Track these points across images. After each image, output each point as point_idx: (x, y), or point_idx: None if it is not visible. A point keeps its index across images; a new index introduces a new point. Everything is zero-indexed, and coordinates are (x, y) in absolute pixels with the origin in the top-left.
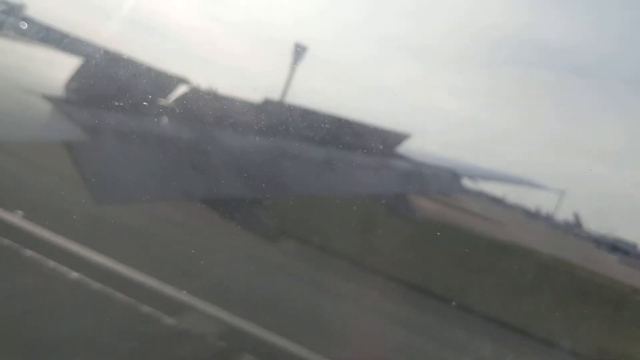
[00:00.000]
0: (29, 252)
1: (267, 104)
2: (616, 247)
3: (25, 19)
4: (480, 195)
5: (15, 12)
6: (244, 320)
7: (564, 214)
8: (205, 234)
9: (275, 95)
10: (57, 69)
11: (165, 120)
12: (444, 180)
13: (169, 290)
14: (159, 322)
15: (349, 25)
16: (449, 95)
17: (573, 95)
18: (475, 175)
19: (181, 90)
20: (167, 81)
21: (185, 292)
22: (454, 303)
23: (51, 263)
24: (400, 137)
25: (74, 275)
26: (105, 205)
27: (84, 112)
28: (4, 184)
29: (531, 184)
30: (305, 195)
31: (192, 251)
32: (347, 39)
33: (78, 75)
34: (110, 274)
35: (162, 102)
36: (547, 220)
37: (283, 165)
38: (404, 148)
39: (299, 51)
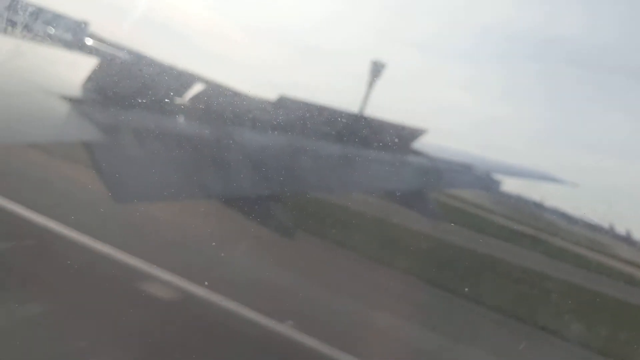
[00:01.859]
0: (51, 249)
1: (282, 100)
2: None
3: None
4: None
5: (82, 29)
6: (260, 314)
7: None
8: (223, 231)
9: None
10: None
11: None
12: (461, 176)
13: (185, 284)
14: (180, 316)
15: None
16: (463, 90)
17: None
18: (493, 170)
19: (209, 91)
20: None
21: (203, 285)
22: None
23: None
24: (416, 133)
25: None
26: (124, 203)
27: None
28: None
29: (562, 182)
30: (321, 192)
31: (211, 245)
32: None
33: (97, 75)
34: (131, 269)
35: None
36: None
37: (299, 162)
38: (420, 144)
39: (377, 68)
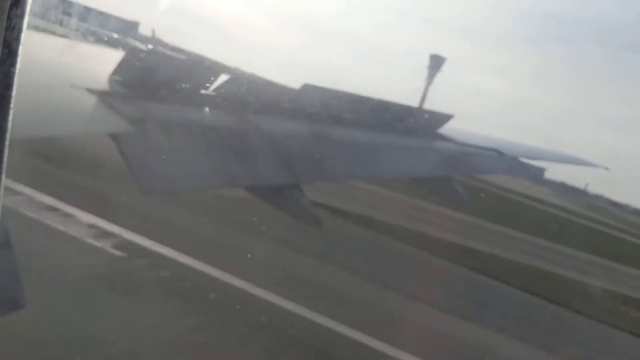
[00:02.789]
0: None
1: (306, 88)
2: None
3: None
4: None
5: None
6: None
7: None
8: (250, 220)
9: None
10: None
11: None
12: (490, 160)
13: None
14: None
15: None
16: (492, 75)
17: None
18: (521, 154)
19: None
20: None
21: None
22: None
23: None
24: (443, 118)
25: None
26: (153, 195)
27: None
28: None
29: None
30: (348, 180)
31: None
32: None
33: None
34: (161, 259)
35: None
36: None
37: (326, 150)
38: (448, 129)
39: (436, 62)
